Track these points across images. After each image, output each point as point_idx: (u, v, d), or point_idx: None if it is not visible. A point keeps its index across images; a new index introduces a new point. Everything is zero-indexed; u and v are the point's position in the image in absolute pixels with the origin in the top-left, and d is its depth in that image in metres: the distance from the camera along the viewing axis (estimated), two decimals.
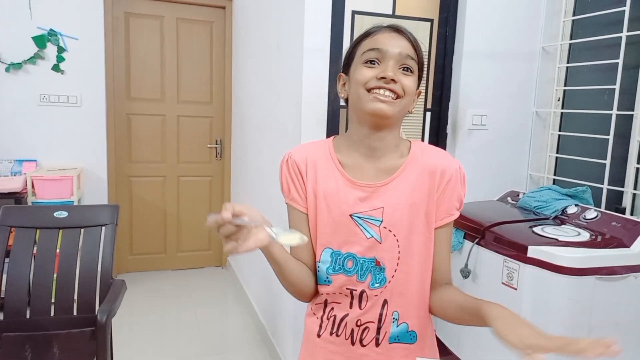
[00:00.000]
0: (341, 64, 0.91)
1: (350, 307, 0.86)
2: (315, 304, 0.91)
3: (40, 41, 2.88)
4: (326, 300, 0.89)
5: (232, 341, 2.58)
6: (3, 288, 1.74)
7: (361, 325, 0.86)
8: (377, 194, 0.85)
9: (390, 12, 1.96)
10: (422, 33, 2.03)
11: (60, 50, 2.94)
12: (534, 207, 1.79)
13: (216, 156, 3.52)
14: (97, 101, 3.08)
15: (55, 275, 1.79)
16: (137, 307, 2.87)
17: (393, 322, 0.86)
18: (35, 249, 1.79)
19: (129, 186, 3.36)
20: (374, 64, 0.82)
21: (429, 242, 0.87)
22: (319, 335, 0.90)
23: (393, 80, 0.80)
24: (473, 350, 1.68)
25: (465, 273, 1.66)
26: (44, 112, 2.97)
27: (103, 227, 1.82)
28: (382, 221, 0.84)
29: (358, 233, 0.84)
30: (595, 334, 1.41)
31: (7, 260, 1.76)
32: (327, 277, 0.87)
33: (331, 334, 0.88)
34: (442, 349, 1.86)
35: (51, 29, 2.90)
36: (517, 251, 1.46)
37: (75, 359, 1.59)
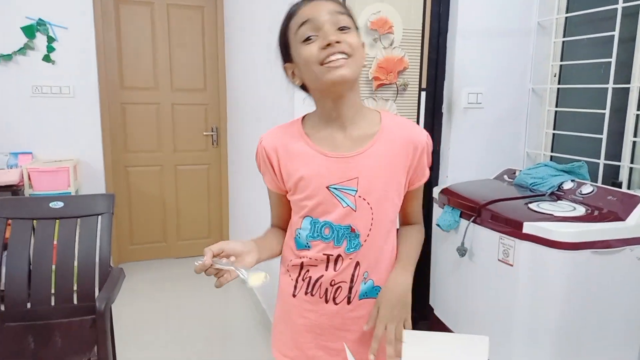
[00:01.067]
0: (280, 56, 0.92)
1: (326, 269, 0.91)
2: (292, 265, 0.95)
3: (29, 31, 2.85)
4: (302, 262, 0.94)
5: (234, 327, 2.61)
6: (3, 280, 1.75)
7: (334, 285, 0.92)
8: (351, 165, 0.88)
9: None
10: (415, 11, 1.99)
11: (50, 40, 2.90)
12: (530, 184, 1.78)
13: (212, 144, 3.51)
14: (91, 91, 3.05)
15: (54, 266, 1.79)
16: (139, 296, 2.89)
17: (362, 280, 0.92)
18: (32, 239, 1.79)
19: (126, 176, 3.36)
20: (312, 38, 0.82)
21: (397, 208, 0.94)
22: (294, 295, 0.96)
23: (338, 42, 0.80)
24: (471, 328, 1.70)
25: (462, 251, 1.66)
26: (37, 103, 2.95)
27: (99, 217, 1.82)
28: (357, 190, 0.88)
29: (335, 203, 0.88)
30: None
31: (5, 252, 1.76)
32: (307, 243, 0.92)
33: (306, 293, 0.94)
34: (441, 326, 1.87)
35: (40, 19, 2.86)
36: (512, 228, 1.46)
37: (77, 346, 1.60)
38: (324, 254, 0.91)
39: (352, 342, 0.94)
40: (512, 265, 1.47)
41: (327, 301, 0.93)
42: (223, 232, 3.63)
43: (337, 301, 0.93)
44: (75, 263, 1.80)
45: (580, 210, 1.49)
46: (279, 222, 1.03)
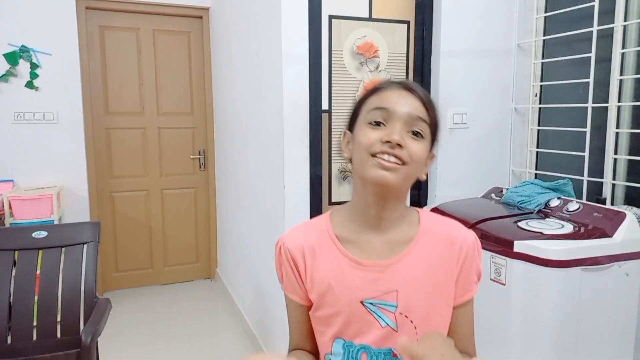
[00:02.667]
0: (348, 120, 0.82)
1: None
2: None
3: (11, 58, 2.82)
4: None
5: (225, 355, 2.54)
6: None
7: None
8: (388, 274, 0.75)
9: (367, 16, 1.97)
10: (399, 35, 2.04)
11: (34, 66, 2.88)
12: (518, 202, 1.81)
13: (200, 167, 3.49)
14: (75, 117, 3.02)
15: (36, 298, 1.73)
16: (125, 325, 2.81)
17: None
18: (14, 271, 1.73)
19: (112, 202, 3.30)
20: (380, 125, 0.73)
21: (447, 323, 0.79)
22: None
23: (399, 145, 0.71)
24: None
25: None
26: (19, 130, 2.90)
27: (85, 245, 1.77)
28: (397, 306, 0.75)
29: (372, 322, 0.75)
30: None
31: None
32: None
33: None
34: None
35: (23, 45, 2.84)
36: (503, 247, 1.47)
37: None
38: None
39: None
40: (504, 284, 1.47)
41: None
42: (211, 258, 3.57)
43: None
44: (60, 294, 1.75)
45: (569, 228, 1.51)
46: (302, 343, 0.85)
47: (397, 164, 0.71)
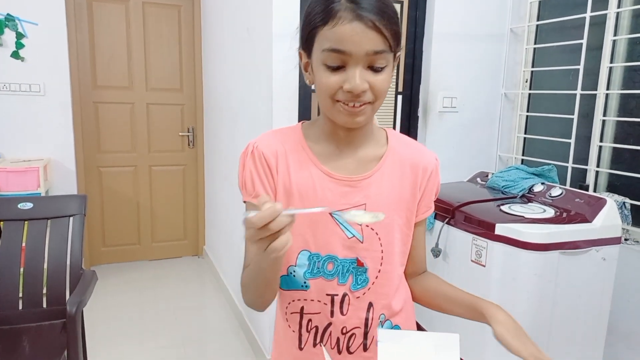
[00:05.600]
0: (299, 35, 0.77)
1: (332, 315, 0.79)
2: (291, 313, 0.81)
3: None
4: (302, 308, 0.80)
5: (211, 330, 2.58)
6: None
7: (347, 332, 0.80)
8: (358, 189, 0.77)
9: None
10: None
11: (19, 36, 2.81)
12: (502, 187, 1.83)
13: (189, 144, 3.46)
14: (62, 90, 2.96)
15: (22, 269, 1.74)
16: (112, 299, 2.83)
17: (379, 324, 0.81)
18: None
19: (99, 177, 3.28)
20: (338, 70, 0.69)
21: (407, 239, 0.83)
22: (301, 349, 0.82)
23: (363, 91, 0.69)
24: (444, 327, 1.72)
25: (436, 252, 1.69)
26: (5, 101, 2.84)
27: (71, 218, 1.77)
28: None
29: (339, 232, 0.77)
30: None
31: None
32: (305, 282, 0.79)
33: (314, 345, 0.81)
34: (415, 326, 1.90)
35: (8, 14, 2.76)
36: (485, 229, 1.50)
37: (46, 352, 1.55)
38: (326, 294, 0.78)
39: None
40: (484, 266, 1.50)
41: (340, 351, 0.80)
42: (199, 235, 3.58)
43: (352, 350, 0.80)
44: (45, 266, 1.75)
45: (550, 212, 1.54)
46: None
47: (364, 105, 0.71)
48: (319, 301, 0.79)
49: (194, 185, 3.53)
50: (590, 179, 1.86)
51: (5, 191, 2.58)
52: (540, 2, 2.08)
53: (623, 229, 1.62)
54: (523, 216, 1.50)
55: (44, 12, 2.84)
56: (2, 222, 1.75)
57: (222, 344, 2.41)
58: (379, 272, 0.79)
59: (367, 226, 0.78)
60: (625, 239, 1.71)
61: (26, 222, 1.76)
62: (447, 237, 1.67)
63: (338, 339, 0.80)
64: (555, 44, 2.01)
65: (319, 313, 0.79)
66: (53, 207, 1.79)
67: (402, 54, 2.06)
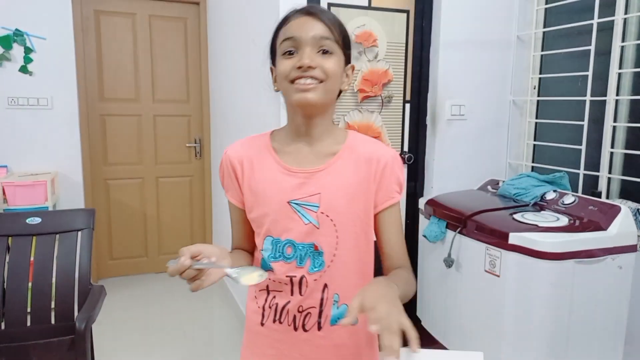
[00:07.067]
0: (270, 56, 0.91)
1: (291, 294, 0.88)
2: (259, 290, 0.92)
3: (5, 42, 2.78)
4: (268, 286, 0.90)
5: (219, 343, 2.55)
6: None
7: (303, 311, 0.88)
8: (313, 180, 0.86)
9: (366, 4, 1.95)
10: (399, 25, 2.02)
11: (28, 50, 2.83)
12: (514, 195, 1.81)
13: (195, 155, 3.47)
14: (69, 103, 2.98)
15: (30, 284, 1.73)
16: (119, 313, 2.81)
17: (334, 304, 0.88)
18: (7, 257, 1.72)
19: (106, 189, 3.28)
20: (292, 53, 0.82)
21: (367, 227, 0.90)
22: (262, 324, 0.92)
23: (311, 67, 0.80)
24: (459, 339, 1.70)
25: (449, 262, 1.67)
26: (13, 115, 2.86)
27: (79, 232, 1.76)
28: (319, 206, 0.86)
29: (296, 219, 0.86)
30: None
31: None
32: (269, 265, 0.89)
33: (274, 321, 0.90)
34: (428, 338, 1.87)
35: (16, 29, 2.80)
36: (498, 239, 1.47)
37: None
38: (286, 276, 0.87)
39: None
40: (498, 276, 1.48)
41: (296, 329, 0.89)
42: None
43: (307, 328, 0.88)
44: (54, 281, 1.74)
45: (564, 221, 1.51)
46: (241, 243, 0.97)
47: (314, 83, 0.81)
48: (280, 282, 0.88)
49: (201, 196, 3.52)
50: (602, 186, 1.84)
51: (14, 205, 2.58)
52: (546, 9, 2.07)
53: (638, 236, 1.59)
54: (537, 225, 1.48)
55: (51, 27, 2.87)
56: (10, 238, 1.75)
57: (229, 356, 2.38)
58: (334, 256, 0.86)
59: (322, 213, 0.85)
60: None
61: (34, 237, 1.76)
62: (460, 246, 1.64)
63: (295, 316, 0.88)
64: (563, 51, 1.99)
65: (281, 292, 0.89)
66: (61, 222, 1.78)
67: (409, 62, 2.06)
